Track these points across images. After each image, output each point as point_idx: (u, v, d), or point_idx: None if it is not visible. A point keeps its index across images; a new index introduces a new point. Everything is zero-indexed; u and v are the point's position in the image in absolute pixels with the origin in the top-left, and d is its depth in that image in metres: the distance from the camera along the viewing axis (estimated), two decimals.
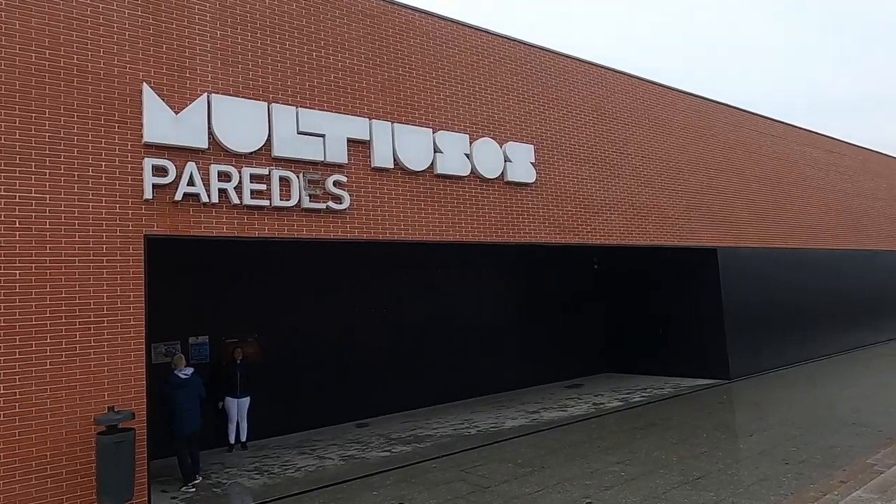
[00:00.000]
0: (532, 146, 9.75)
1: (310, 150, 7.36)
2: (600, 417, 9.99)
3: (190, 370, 7.64)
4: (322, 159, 7.44)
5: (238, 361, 9.38)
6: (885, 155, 20.31)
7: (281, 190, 7.10)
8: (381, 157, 7.97)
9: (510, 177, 9.35)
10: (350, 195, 7.62)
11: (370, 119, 7.96)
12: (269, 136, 7.09)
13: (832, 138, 17.63)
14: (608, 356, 15.30)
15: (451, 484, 6.74)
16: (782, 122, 15.78)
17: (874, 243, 18.55)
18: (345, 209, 7.55)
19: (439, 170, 8.54)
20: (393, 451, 8.54)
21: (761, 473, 6.35)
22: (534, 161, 9.72)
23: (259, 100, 7.10)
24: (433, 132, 8.56)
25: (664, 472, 6.60)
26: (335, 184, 7.50)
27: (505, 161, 9.31)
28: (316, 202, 7.33)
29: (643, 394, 11.95)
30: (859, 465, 5.50)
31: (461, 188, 8.86)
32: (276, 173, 7.08)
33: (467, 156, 8.88)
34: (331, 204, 7.43)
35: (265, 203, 6.95)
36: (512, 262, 13.89)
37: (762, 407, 10.25)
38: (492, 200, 9.20)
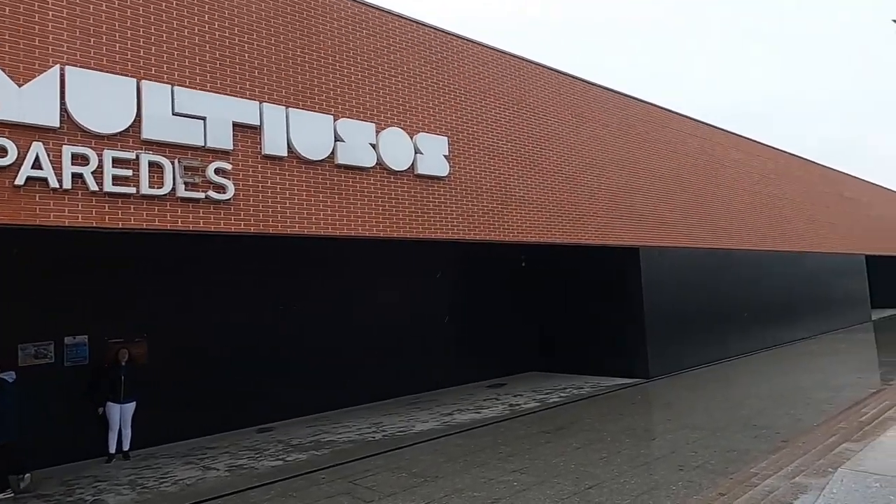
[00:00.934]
0: (446, 138, 9.34)
1: (187, 134, 6.69)
2: (512, 420, 9.71)
3: (11, 374, 7.02)
4: (202, 144, 6.77)
5: (123, 363, 8.61)
6: (804, 159, 21.01)
7: (151, 176, 6.40)
8: (274, 144, 7.36)
9: (421, 170, 8.91)
10: (235, 184, 7.00)
11: (261, 102, 7.33)
12: (139, 116, 6.38)
13: (755, 141, 18.04)
14: (534, 355, 15.13)
15: (334, 498, 6.27)
16: (707, 124, 15.97)
17: (792, 245, 19.14)
18: (229, 199, 6.92)
19: (341, 160, 8.00)
20: (287, 459, 7.99)
21: (653, 481, 6.15)
22: (447, 154, 9.31)
23: (127, 75, 6.38)
24: (334, 119, 8.01)
25: (557, 482, 6.32)
26: (217, 171, 6.85)
27: (415, 153, 8.86)
28: (193, 191, 6.67)
29: (562, 394, 11.78)
30: (744, 475, 5.35)
31: (366, 180, 8.35)
32: (146, 158, 6.38)
33: (373, 146, 8.38)
34: (212, 193, 6.79)
35: (131, 190, 6.25)
36: (435, 259, 13.50)
37: (672, 408, 10.23)
38: (401, 194, 8.74)
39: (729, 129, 16.91)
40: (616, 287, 13.41)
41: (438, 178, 9.17)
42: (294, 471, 7.37)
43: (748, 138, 17.78)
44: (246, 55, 7.34)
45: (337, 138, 8.00)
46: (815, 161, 21.78)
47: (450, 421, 9.83)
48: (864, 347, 18.02)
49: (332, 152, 7.95)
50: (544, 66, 11.44)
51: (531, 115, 10.98)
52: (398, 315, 12.59)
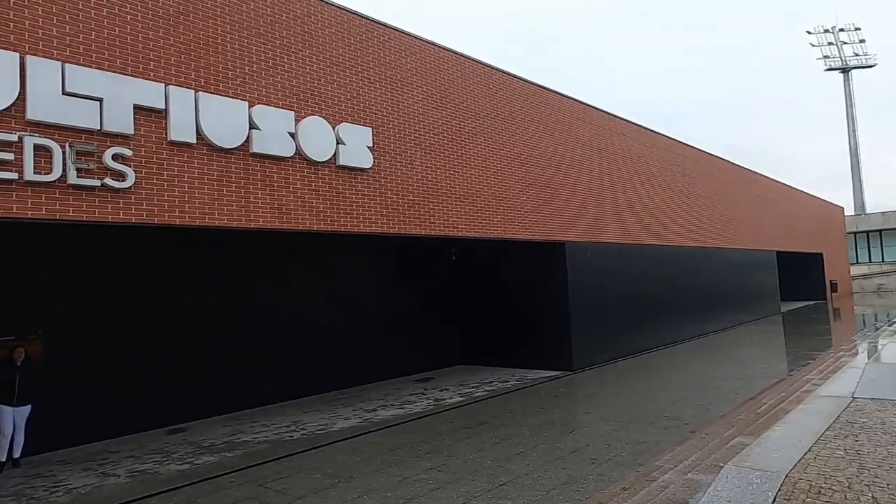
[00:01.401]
0: (370, 129, 9.10)
1: (81, 116, 6.17)
2: (436, 415, 9.66)
3: None
4: (98, 128, 6.27)
5: (18, 364, 7.91)
6: (723, 159, 22.05)
7: (37, 161, 5.86)
8: (181, 130, 6.92)
9: (343, 161, 8.64)
10: (137, 172, 6.52)
11: (167, 84, 6.87)
12: (22, 94, 5.82)
13: (678, 141, 18.74)
14: (464, 348, 15.17)
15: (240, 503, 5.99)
16: (633, 123, 16.43)
17: (711, 241, 20.08)
18: (129, 188, 6.44)
19: (256, 148, 7.63)
20: (196, 462, 7.60)
21: (566, 476, 6.23)
22: (371, 145, 9.08)
23: (8, 49, 5.80)
24: (250, 106, 7.62)
25: (472, 479, 6.29)
26: (115, 157, 6.36)
27: (337, 143, 8.58)
28: (87, 178, 6.16)
29: (487, 387, 11.84)
30: (648, 468, 5.49)
31: (284, 170, 8.01)
32: (31, 140, 5.83)
33: (292, 135, 8.04)
34: (109, 181, 6.29)
35: (12, 176, 5.69)
36: (364, 252, 13.25)
37: (592, 400, 10.48)
38: (321, 185, 8.44)
39: (654, 129, 17.47)
40: (543, 281, 13.61)
41: (362, 170, 8.93)
42: (201, 475, 7.01)
43: (671, 138, 18.44)
44: (150, 34, 6.85)
45: (252, 126, 7.62)
46: (733, 161, 22.91)
47: (372, 418, 9.67)
48: (773, 338, 19.17)
49: (247, 140, 7.57)
50: (473, 60, 11.38)
51: (459, 108, 10.90)
52: (323, 309, 12.28)
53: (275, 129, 7.84)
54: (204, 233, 9.13)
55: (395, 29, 9.86)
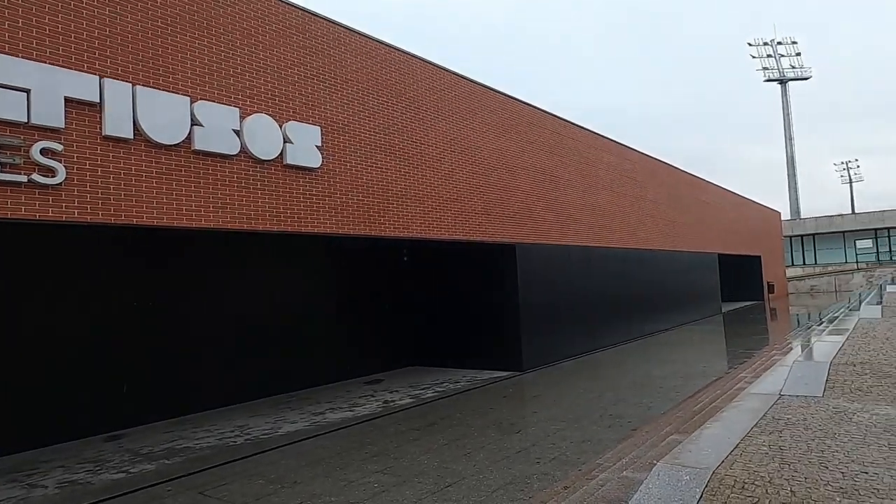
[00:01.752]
0: (319, 128, 8.97)
1: (6, 108, 5.83)
2: (385, 417, 9.60)
3: None
4: (25, 120, 5.95)
5: None
6: (669, 165, 22.80)
7: None
8: (117, 125, 6.64)
9: (291, 160, 8.48)
10: (68, 167, 6.22)
11: (102, 77, 6.58)
12: None
13: (628, 147, 19.26)
14: (416, 350, 15.14)
15: None
16: (585, 128, 16.78)
17: (657, 243, 20.72)
18: (59, 184, 6.14)
19: (198, 145, 7.40)
20: (132, 471, 7.30)
21: (511, 476, 6.29)
22: (320, 144, 8.95)
23: None
24: (192, 101, 7.39)
25: (419, 481, 6.28)
26: (44, 152, 6.05)
27: (285, 142, 8.42)
28: (13, 173, 5.84)
29: (438, 388, 11.85)
30: (590, 467, 5.62)
31: (228, 168, 7.80)
32: None
33: (237, 132, 7.84)
34: (36, 176, 5.98)
35: None
36: (313, 253, 13.05)
37: (540, 399, 10.63)
38: (267, 185, 8.26)
39: (602, 133, 17.89)
40: (494, 282, 13.73)
41: (310, 170, 8.79)
42: (137, 484, 6.74)
43: (622, 143, 18.93)
44: (85, 24, 6.54)
45: (195, 122, 7.39)
46: (679, 167, 23.71)
47: (320, 421, 9.53)
48: (713, 338, 19.94)
49: (189, 137, 7.33)
50: (425, 61, 11.38)
51: (411, 108, 10.87)
52: (271, 310, 12.02)
53: (219, 126, 7.63)
54: (142, 231, 8.81)
55: (346, 28, 9.75)
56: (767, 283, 35.16)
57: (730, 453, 3.71)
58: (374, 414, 9.86)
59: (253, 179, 8.07)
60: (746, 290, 33.86)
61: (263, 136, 8.14)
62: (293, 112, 8.65)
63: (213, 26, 7.78)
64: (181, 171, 7.28)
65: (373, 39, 10.26)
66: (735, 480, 3.25)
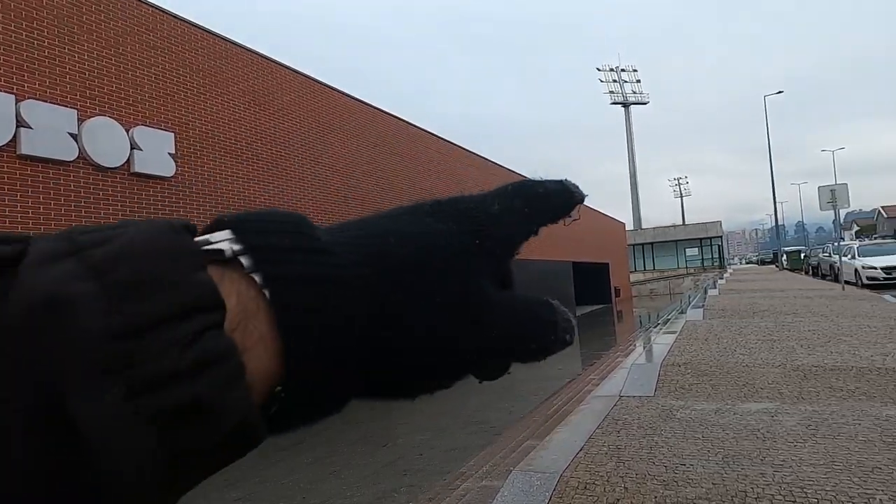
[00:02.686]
0: (172, 134, 8.41)
1: None
2: None
3: None
4: None
5: None
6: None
7: None
8: None
9: (139, 167, 7.86)
10: None
11: None
12: None
13: (487, 159, 20.23)
14: None
15: None
16: (448, 141, 17.36)
17: (521, 254, 21.90)
18: None
19: (25, 149, 6.60)
20: None
21: (378, 491, 6.32)
22: (174, 152, 8.38)
23: None
24: (17, 100, 6.58)
25: None
26: None
27: (132, 148, 7.78)
28: None
29: None
30: (454, 476, 5.83)
31: (63, 175, 7.04)
32: None
33: (73, 136, 7.11)
34: None
35: None
36: None
37: (410, 409, 10.78)
38: (111, 194, 7.57)
39: (467, 147, 18.64)
40: None
41: (161, 178, 8.20)
42: None
43: (482, 156, 19.83)
44: None
45: (21, 123, 6.58)
46: None
47: None
48: None
49: (14, 139, 6.52)
50: (290, 69, 11.11)
51: (276, 117, 10.56)
52: None
53: (50, 128, 6.86)
54: None
55: (204, 30, 9.24)
56: (614, 287, 38.69)
57: (575, 456, 4.07)
58: None
59: (94, 188, 7.35)
60: (596, 294, 36.97)
61: (106, 140, 7.46)
62: (143, 116, 8.03)
63: (41, 17, 6.99)
64: (4, 177, 6.44)
65: (234, 43, 9.83)
66: (579, 482, 3.58)
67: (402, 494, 6.14)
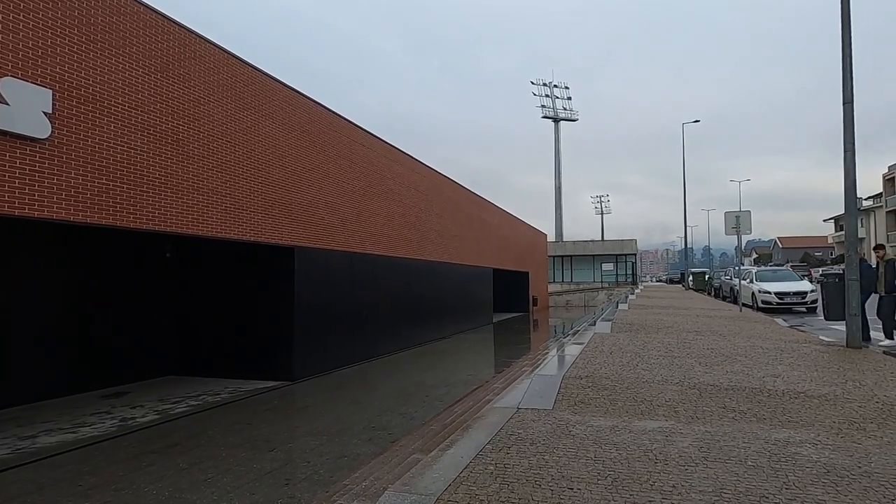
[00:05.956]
0: (50, 91, 7.42)
1: None
2: (117, 439, 8.25)
3: None
4: None
5: None
6: (455, 182, 24.14)
7: None
8: None
9: (4, 125, 6.84)
10: None
11: None
12: None
13: (415, 159, 19.84)
14: (177, 357, 13.53)
15: None
16: (375, 136, 16.81)
17: (437, 255, 21.68)
18: None
19: None
20: None
21: (253, 501, 5.75)
22: (51, 111, 7.40)
23: None
24: None
25: None
26: None
27: None
28: None
29: (193, 402, 10.65)
30: (338, 487, 5.37)
31: None
32: None
33: None
34: None
35: None
36: (44, 241, 10.87)
37: (306, 412, 10.17)
38: None
39: (394, 145, 18.16)
40: (268, 286, 12.90)
41: (33, 140, 7.21)
42: None
43: (410, 155, 19.42)
44: None
45: None
46: (463, 184, 25.23)
47: (27, 447, 7.82)
48: (483, 346, 21.44)
49: None
50: (203, 38, 10.25)
51: (182, 89, 9.67)
52: None
53: None
54: None
55: None
56: (532, 296, 39.34)
57: (459, 475, 3.73)
58: (104, 435, 8.43)
59: None
60: (514, 302, 37.42)
61: None
62: (13, 66, 7.01)
63: None
64: None
65: (138, 2, 8.90)
66: None
67: None
